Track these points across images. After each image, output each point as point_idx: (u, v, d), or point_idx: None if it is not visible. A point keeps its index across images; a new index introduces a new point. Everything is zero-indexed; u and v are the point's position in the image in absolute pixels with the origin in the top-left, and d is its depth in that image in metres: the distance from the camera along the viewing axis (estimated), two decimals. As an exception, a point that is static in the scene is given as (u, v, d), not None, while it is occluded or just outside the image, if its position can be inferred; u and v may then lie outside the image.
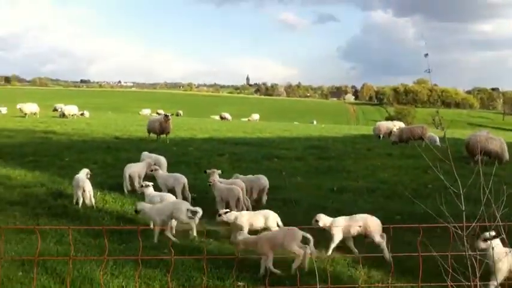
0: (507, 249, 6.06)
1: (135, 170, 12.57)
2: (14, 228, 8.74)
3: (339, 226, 7.99)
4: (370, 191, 13.17)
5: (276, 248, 7.15)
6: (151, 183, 10.24)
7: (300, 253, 7.04)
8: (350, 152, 22.06)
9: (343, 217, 8.30)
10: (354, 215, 8.29)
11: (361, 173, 16.21)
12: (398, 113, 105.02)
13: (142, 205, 9.02)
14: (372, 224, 8.00)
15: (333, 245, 7.99)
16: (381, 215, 10.47)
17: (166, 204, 9.12)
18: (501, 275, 6.16)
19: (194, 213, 8.58)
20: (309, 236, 7.26)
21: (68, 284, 6.08)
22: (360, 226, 7.97)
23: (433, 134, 27.19)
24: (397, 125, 31.97)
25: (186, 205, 8.90)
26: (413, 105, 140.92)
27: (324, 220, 8.11)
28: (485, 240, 6.07)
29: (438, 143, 25.30)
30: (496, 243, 6.00)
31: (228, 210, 8.87)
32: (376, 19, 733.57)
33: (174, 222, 8.91)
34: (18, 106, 43.72)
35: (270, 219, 8.61)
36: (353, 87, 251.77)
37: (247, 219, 8.48)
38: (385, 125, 32.90)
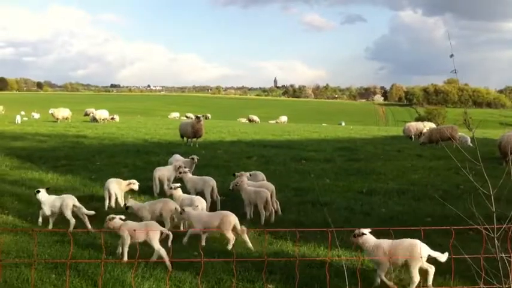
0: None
1: (164, 173, 12.69)
2: (47, 231, 8.92)
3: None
4: (400, 193, 13.03)
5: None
6: (179, 185, 10.31)
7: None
8: (379, 154, 21.88)
9: (387, 241, 7.01)
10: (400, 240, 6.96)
11: (390, 175, 16.04)
12: (429, 114, 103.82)
13: (131, 202, 9.52)
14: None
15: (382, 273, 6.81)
16: (411, 217, 10.43)
17: (154, 202, 9.48)
18: None
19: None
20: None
21: (100, 287, 6.17)
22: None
23: (465, 135, 26.75)
24: (427, 126, 31.57)
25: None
26: (443, 105, 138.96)
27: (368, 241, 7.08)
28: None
29: (470, 143, 24.89)
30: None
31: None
32: (404, 19, 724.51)
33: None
34: (50, 111, 44.57)
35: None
36: (382, 87, 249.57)
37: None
38: (415, 126, 32.53)
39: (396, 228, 8.92)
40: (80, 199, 11.48)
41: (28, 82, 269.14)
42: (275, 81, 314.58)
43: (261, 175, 12.18)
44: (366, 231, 7.15)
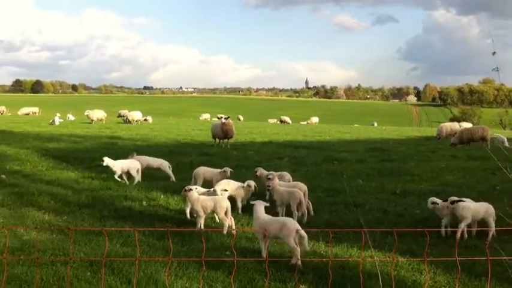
0: None
1: (207, 174, 12.63)
2: (82, 230, 9.07)
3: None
4: (434, 194, 12.75)
5: None
6: (196, 187, 10.27)
7: None
8: (413, 154, 21.59)
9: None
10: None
11: (424, 176, 15.80)
12: (463, 114, 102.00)
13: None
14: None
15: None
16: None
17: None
18: None
19: None
20: None
21: (135, 285, 6.24)
22: None
23: (501, 135, 26.18)
24: (463, 126, 30.99)
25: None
26: (479, 105, 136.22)
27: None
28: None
29: (507, 143, 24.32)
30: None
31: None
32: (438, 18, 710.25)
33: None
34: (86, 113, 45.35)
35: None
36: (415, 88, 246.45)
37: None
38: (449, 126, 31.94)
39: (430, 230, 8.82)
40: (113, 198, 11.73)
41: (63, 85, 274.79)
42: (306, 82, 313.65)
43: (287, 176, 12.15)
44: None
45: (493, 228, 8.76)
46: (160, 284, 6.38)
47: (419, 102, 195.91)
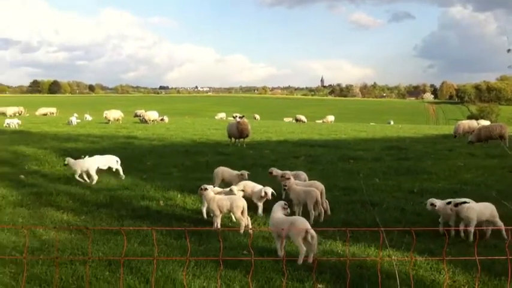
0: None
1: (225, 175, 12.60)
2: (100, 230, 9.14)
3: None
4: (452, 193, 12.68)
5: None
6: (211, 186, 10.27)
7: None
8: (430, 153, 21.43)
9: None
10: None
11: (442, 174, 15.67)
12: (481, 112, 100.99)
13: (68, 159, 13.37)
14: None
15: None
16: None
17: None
18: None
19: None
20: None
21: (153, 284, 6.28)
22: None
23: (520, 133, 25.89)
24: (481, 124, 30.67)
25: None
26: (496, 102, 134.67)
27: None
28: None
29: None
30: None
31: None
32: (454, 15, 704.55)
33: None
34: (104, 114, 45.71)
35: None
36: (432, 85, 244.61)
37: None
38: (467, 124, 31.62)
39: (449, 229, 8.75)
40: (131, 198, 11.80)
41: (80, 85, 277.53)
42: (322, 80, 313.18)
43: (303, 175, 12.11)
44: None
45: (502, 227, 8.66)
46: (178, 283, 6.40)
47: (436, 100, 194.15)
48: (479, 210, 8.81)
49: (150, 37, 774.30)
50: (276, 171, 12.28)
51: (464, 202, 8.86)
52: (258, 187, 10.59)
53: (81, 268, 6.84)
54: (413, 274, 6.76)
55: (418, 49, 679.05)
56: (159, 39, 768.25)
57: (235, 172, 12.39)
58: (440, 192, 12.67)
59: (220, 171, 12.57)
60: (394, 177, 15.14)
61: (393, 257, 7.44)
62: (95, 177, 13.74)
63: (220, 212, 9.40)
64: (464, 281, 6.74)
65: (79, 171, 13.83)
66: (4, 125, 36.36)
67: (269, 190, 10.27)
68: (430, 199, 9.48)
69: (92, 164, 13.94)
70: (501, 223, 8.70)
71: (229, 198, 9.47)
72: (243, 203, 9.31)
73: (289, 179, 10.82)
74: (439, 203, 9.20)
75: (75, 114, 49.59)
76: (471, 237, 8.58)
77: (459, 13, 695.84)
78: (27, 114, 62.21)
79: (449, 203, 9.03)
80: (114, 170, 14.74)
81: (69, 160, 13.97)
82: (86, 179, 13.86)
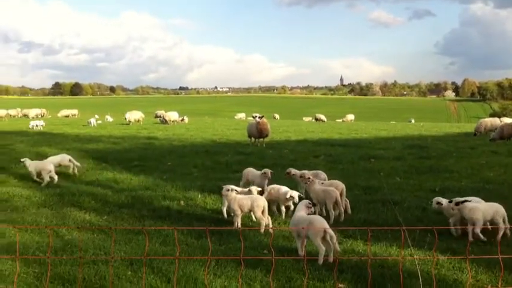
0: None
1: (249, 175, 12.55)
2: (122, 229, 9.23)
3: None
4: (474, 191, 12.49)
5: None
6: (234, 187, 10.23)
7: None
8: (452, 151, 21.19)
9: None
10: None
11: (464, 173, 15.48)
12: (504, 109, 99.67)
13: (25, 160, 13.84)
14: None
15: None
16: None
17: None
18: None
19: None
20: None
21: (175, 284, 6.31)
22: None
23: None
24: (504, 122, 30.27)
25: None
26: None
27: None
28: None
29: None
30: None
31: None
32: (475, 12, 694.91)
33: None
34: (126, 115, 46.21)
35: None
36: (453, 83, 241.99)
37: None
38: (489, 122, 31.23)
39: (472, 228, 8.63)
40: (152, 198, 11.89)
41: (101, 87, 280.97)
42: (341, 79, 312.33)
43: (322, 174, 11.97)
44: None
45: (503, 228, 8.50)
46: (199, 283, 6.43)
47: (458, 98, 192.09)
48: (483, 210, 8.62)
49: (171, 38, 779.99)
50: (294, 171, 12.20)
51: (466, 201, 8.67)
52: (283, 189, 10.46)
53: (103, 268, 6.90)
54: (435, 273, 6.69)
55: (439, 46, 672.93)
56: (179, 40, 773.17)
57: (258, 172, 12.32)
58: (463, 191, 12.52)
59: (246, 172, 12.53)
60: (416, 176, 15.00)
61: (415, 256, 7.38)
62: (46, 179, 13.79)
63: (241, 211, 9.41)
64: (488, 280, 6.65)
65: (34, 172, 14.02)
66: (29, 127, 36.85)
67: (295, 194, 9.97)
68: (436, 198, 9.32)
69: (45, 166, 14.04)
70: (504, 225, 8.53)
71: (250, 198, 9.48)
72: (264, 203, 9.31)
73: (309, 179, 10.77)
74: (445, 202, 9.05)
75: (96, 116, 50.16)
76: (471, 237, 8.40)
77: (480, 10, 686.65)
78: (49, 116, 63.04)
79: (451, 201, 8.89)
80: (71, 170, 15.15)
81: (26, 161, 14.18)
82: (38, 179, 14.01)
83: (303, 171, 11.73)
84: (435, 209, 9.27)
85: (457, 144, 24.35)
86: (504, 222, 8.57)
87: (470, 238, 8.36)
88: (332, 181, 11.02)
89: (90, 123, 41.99)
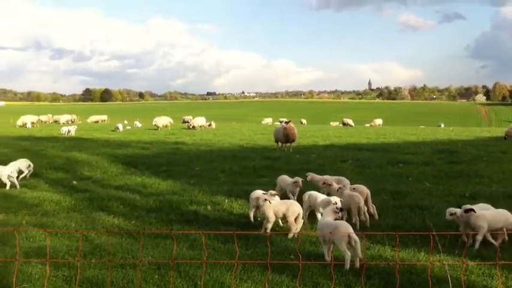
0: None
1: (282, 183, 12.48)
2: (150, 233, 9.32)
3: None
4: (506, 197, 12.28)
5: None
6: (274, 192, 10.17)
7: None
8: (482, 156, 20.80)
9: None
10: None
11: (495, 178, 15.19)
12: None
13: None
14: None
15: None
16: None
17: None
18: None
19: None
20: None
21: (202, 287, 6.34)
22: None
23: None
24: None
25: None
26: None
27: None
28: None
29: None
30: None
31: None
32: (507, 15, 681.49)
33: None
34: (154, 120, 46.85)
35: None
36: (484, 87, 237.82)
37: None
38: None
39: (502, 233, 8.47)
40: (180, 203, 11.98)
41: (130, 92, 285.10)
42: (369, 83, 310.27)
43: (345, 181, 11.54)
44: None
45: (504, 234, 8.38)
46: (226, 287, 6.45)
47: (489, 102, 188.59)
48: (490, 218, 8.39)
49: (198, 44, 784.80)
50: (312, 176, 12.07)
51: (472, 210, 8.38)
52: (321, 197, 10.24)
53: (131, 271, 6.98)
54: (465, 279, 6.59)
55: (469, 50, 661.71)
56: (207, 45, 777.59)
57: (290, 179, 12.13)
58: (494, 196, 12.30)
59: (280, 179, 12.44)
60: (445, 181, 14.78)
61: (444, 262, 7.26)
62: (8, 184, 14.03)
63: (276, 217, 9.42)
64: (520, 287, 6.51)
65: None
66: (61, 132, 37.41)
67: (338, 199, 9.66)
68: (449, 208, 8.91)
69: (3, 172, 14.15)
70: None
71: (285, 203, 9.47)
72: (299, 209, 9.28)
73: (331, 185, 10.71)
74: (459, 211, 8.65)
75: (125, 121, 50.77)
76: (477, 245, 8.21)
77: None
78: (80, 122, 64.06)
79: (464, 209, 8.54)
80: (27, 175, 15.37)
81: None
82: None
83: (323, 176, 11.67)
84: (449, 220, 8.93)
85: (487, 149, 23.91)
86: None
87: (477, 246, 8.18)
88: (357, 186, 10.85)
89: (118, 128, 42.75)
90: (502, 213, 8.60)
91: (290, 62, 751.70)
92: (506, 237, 8.53)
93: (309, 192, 10.51)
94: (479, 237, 8.22)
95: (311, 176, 12.10)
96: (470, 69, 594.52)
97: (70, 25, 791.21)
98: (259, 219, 10.06)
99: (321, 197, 10.18)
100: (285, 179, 12.28)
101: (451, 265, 7.27)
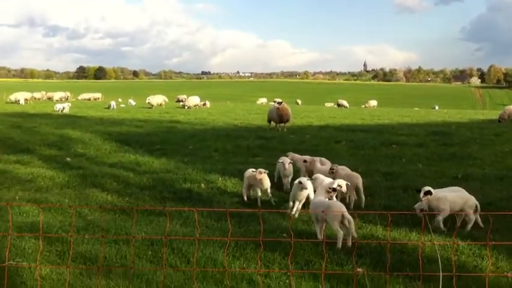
0: None
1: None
2: (143, 211, 9.34)
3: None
4: (498, 179, 12.37)
5: None
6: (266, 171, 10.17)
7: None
8: (476, 138, 20.89)
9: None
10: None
11: (488, 160, 15.27)
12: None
13: None
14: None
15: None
16: (510, 204, 9.90)
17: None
18: None
19: None
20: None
21: (195, 264, 6.38)
22: None
23: None
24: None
25: None
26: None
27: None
28: None
29: None
30: None
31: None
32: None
33: None
34: (147, 99, 46.61)
35: None
36: (479, 69, 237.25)
37: None
38: (514, 109, 30.71)
39: (493, 214, 8.53)
40: (173, 181, 11.99)
41: (124, 71, 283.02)
42: (365, 65, 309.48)
43: (327, 162, 11.54)
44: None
45: (472, 221, 8.37)
46: (218, 264, 6.49)
47: (483, 85, 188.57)
48: (451, 200, 8.41)
49: (194, 23, 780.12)
50: (292, 156, 12.00)
51: (429, 192, 8.35)
52: (327, 180, 10.16)
53: (124, 247, 7.01)
54: (455, 259, 6.66)
55: (465, 32, 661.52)
56: (202, 25, 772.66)
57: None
58: (486, 178, 12.39)
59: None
60: (438, 163, 14.85)
61: (435, 242, 7.33)
62: None
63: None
64: (508, 267, 6.59)
65: None
66: (56, 109, 37.09)
67: (343, 182, 9.08)
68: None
69: None
70: (472, 217, 8.36)
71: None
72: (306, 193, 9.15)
73: (311, 163, 10.77)
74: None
75: (119, 99, 50.57)
76: (441, 226, 8.27)
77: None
78: (73, 99, 63.72)
79: (418, 191, 8.51)
80: None
81: None
82: None
83: (307, 156, 11.65)
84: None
85: (481, 131, 23.99)
86: (476, 212, 8.42)
87: (437, 225, 8.21)
88: (349, 173, 10.67)
89: (111, 106, 42.71)
90: (464, 196, 8.61)
91: (285, 43, 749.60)
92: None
93: (315, 176, 10.48)
94: (440, 218, 8.24)
95: (291, 155, 12.04)
96: (466, 51, 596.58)
97: (64, 2, 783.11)
98: (254, 195, 10.10)
99: (326, 180, 10.13)
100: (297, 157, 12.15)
101: (442, 245, 7.34)
